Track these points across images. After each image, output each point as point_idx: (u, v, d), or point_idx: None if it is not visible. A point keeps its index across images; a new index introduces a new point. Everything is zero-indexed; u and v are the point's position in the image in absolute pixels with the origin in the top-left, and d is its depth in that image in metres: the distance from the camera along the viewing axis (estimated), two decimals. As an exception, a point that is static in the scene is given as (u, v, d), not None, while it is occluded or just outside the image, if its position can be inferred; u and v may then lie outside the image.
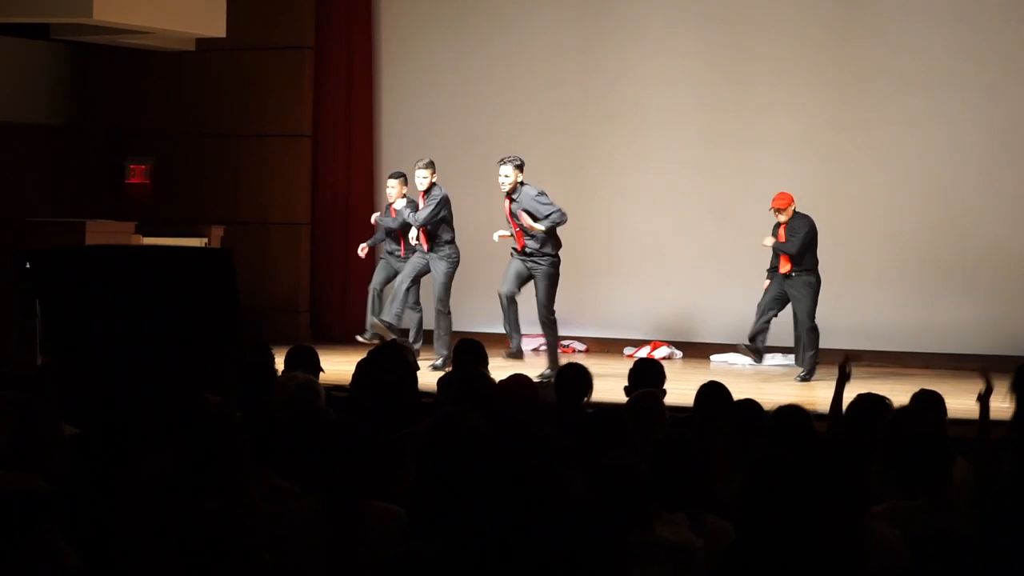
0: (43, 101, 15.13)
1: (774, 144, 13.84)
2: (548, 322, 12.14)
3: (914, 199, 13.46)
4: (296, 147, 15.24)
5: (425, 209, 12.70)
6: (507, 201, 12.07)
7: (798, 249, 12.16)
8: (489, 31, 14.79)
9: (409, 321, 13.16)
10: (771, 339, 12.65)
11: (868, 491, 3.60)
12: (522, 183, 12.04)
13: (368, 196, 15.00)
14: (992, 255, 13.23)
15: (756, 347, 12.53)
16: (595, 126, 14.45)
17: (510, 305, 12.13)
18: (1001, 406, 6.50)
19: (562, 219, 12.00)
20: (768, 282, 12.45)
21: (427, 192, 12.77)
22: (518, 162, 12.03)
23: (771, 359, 12.92)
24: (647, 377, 7.31)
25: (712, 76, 14.04)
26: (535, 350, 13.48)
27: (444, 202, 12.74)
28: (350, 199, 15.13)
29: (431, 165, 12.78)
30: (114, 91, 15.70)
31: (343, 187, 15.17)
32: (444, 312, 12.75)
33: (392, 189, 13.22)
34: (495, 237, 12.29)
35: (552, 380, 8.58)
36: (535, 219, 11.96)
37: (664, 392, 7.20)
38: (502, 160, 12.08)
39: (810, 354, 12.13)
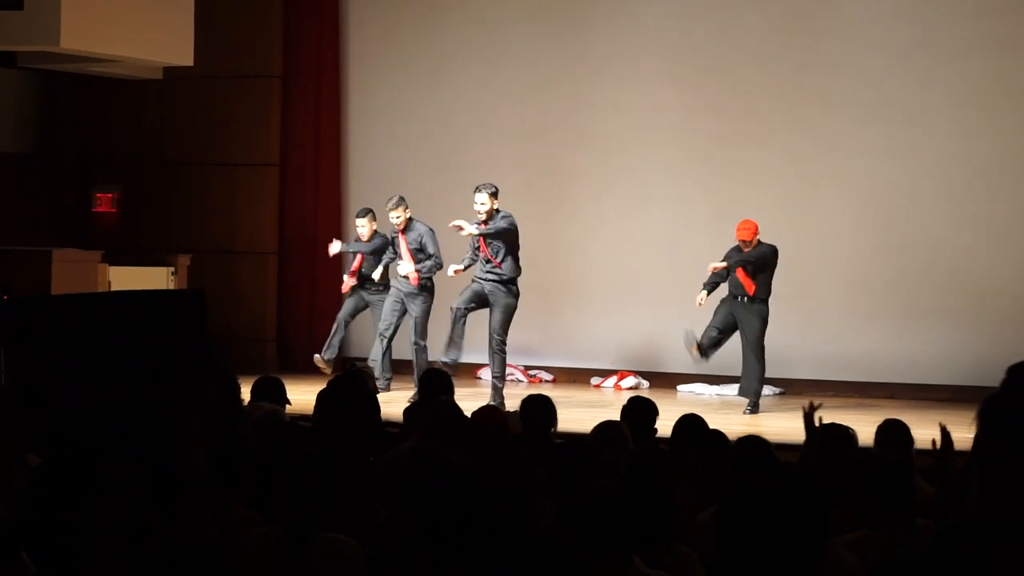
0: (10, 129, 15.09)
1: (741, 174, 13.89)
2: (499, 350, 12.01)
3: (878, 229, 13.52)
4: (264, 175, 15.23)
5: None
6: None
7: (757, 259, 12.04)
8: (458, 61, 14.81)
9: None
10: (725, 368, 12.68)
11: (829, 521, 3.62)
12: (497, 210, 12.05)
13: (335, 225, 14.98)
14: (955, 286, 13.29)
15: (704, 349, 12.31)
16: (563, 156, 14.48)
17: (459, 320, 12.02)
18: (964, 436, 6.53)
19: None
20: (705, 299, 12.32)
21: (406, 229, 12.76)
22: (493, 190, 12.03)
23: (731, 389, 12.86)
24: (641, 415, 7.27)
25: (681, 107, 14.09)
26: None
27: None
28: (317, 228, 15.10)
29: (403, 202, 12.79)
30: (82, 119, 15.67)
31: (311, 216, 15.16)
32: (422, 348, 12.76)
33: (363, 228, 13.20)
34: (450, 272, 12.26)
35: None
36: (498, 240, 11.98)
37: (656, 430, 7.21)
38: (478, 188, 12.08)
39: (755, 380, 12.05)
